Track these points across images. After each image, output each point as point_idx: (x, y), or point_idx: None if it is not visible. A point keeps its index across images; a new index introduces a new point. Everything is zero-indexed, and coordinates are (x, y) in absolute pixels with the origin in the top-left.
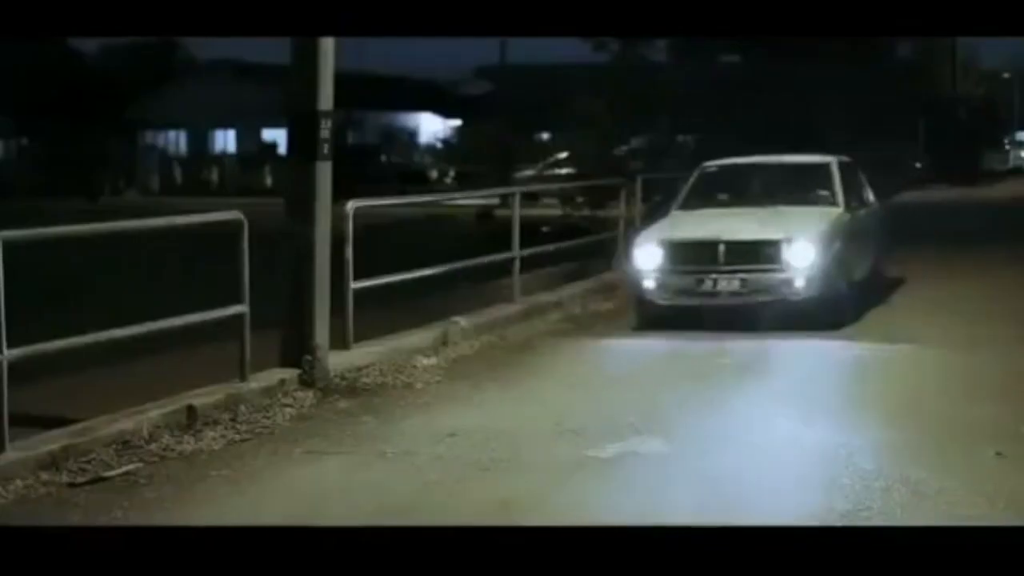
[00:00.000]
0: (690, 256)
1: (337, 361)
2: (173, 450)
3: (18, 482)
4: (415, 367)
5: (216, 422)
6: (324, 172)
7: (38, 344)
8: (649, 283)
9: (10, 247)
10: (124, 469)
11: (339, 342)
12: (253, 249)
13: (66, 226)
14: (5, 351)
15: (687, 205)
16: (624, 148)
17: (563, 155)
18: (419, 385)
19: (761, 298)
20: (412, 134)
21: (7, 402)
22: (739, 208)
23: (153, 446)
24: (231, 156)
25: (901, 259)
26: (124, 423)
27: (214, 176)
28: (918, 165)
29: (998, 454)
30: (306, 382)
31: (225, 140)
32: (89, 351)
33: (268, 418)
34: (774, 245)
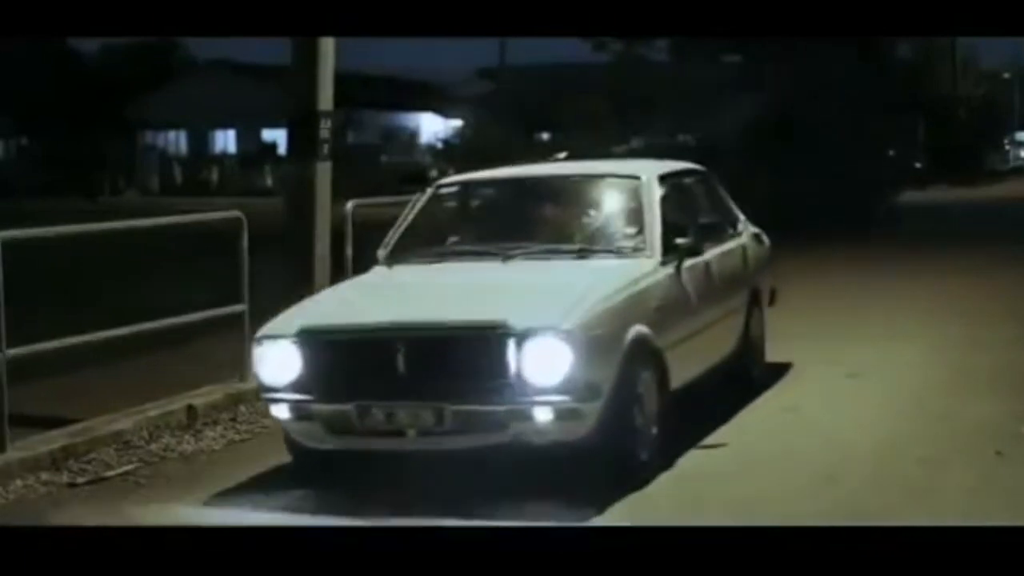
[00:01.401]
0: (346, 361)
1: None
2: (173, 450)
3: (18, 482)
4: None
5: (216, 422)
6: (324, 172)
7: (38, 343)
8: (282, 411)
9: (10, 247)
10: (124, 469)
11: None
12: (253, 249)
13: (65, 226)
14: (5, 350)
15: (398, 254)
16: (624, 148)
17: (563, 155)
18: None
19: (477, 442)
20: (412, 134)
21: (7, 402)
22: (477, 262)
23: (153, 446)
24: (231, 156)
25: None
26: (124, 423)
27: (214, 176)
28: (918, 165)
29: None
30: None
31: (225, 140)
32: (89, 351)
33: (268, 418)
34: (494, 342)
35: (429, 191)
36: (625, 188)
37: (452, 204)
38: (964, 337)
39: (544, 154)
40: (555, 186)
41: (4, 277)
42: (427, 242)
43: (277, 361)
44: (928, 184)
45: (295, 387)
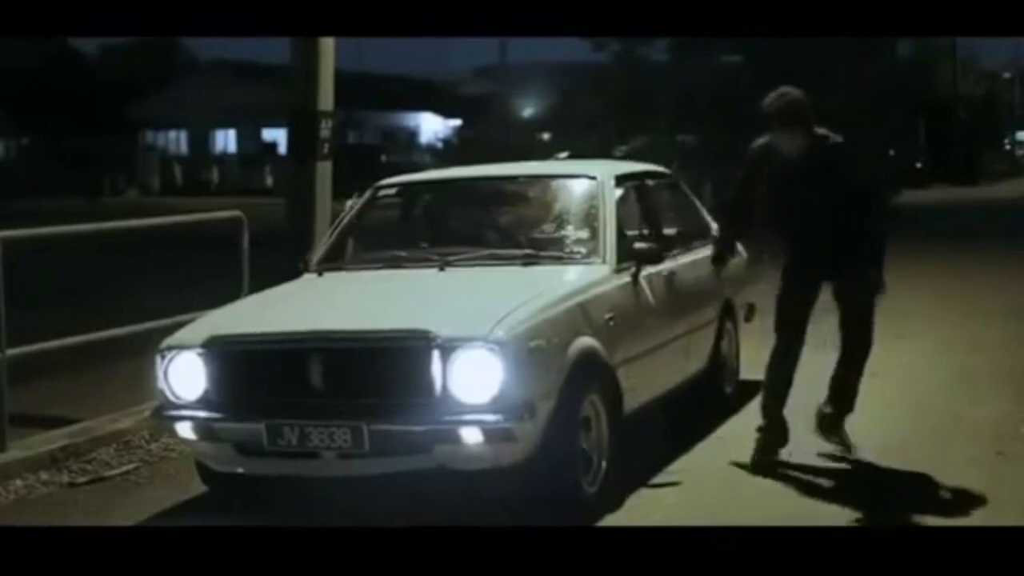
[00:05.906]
0: (257, 375)
1: None
2: (174, 450)
3: (18, 482)
4: None
5: None
6: (324, 172)
7: (39, 343)
8: (186, 429)
9: (10, 246)
10: (124, 469)
11: None
12: (254, 248)
13: (65, 226)
14: (5, 350)
15: (329, 261)
16: (624, 148)
17: (563, 155)
18: None
19: (398, 466)
20: (412, 134)
21: (7, 402)
22: (412, 269)
23: (154, 446)
24: (231, 156)
25: None
26: (124, 423)
27: (214, 176)
28: (918, 165)
29: None
30: None
31: (225, 140)
32: (89, 350)
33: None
34: (415, 353)
35: (368, 193)
36: (578, 189)
37: (392, 207)
38: (965, 336)
39: (545, 154)
40: (503, 188)
41: (5, 277)
42: (361, 248)
43: (183, 374)
44: (928, 184)
45: (202, 404)
